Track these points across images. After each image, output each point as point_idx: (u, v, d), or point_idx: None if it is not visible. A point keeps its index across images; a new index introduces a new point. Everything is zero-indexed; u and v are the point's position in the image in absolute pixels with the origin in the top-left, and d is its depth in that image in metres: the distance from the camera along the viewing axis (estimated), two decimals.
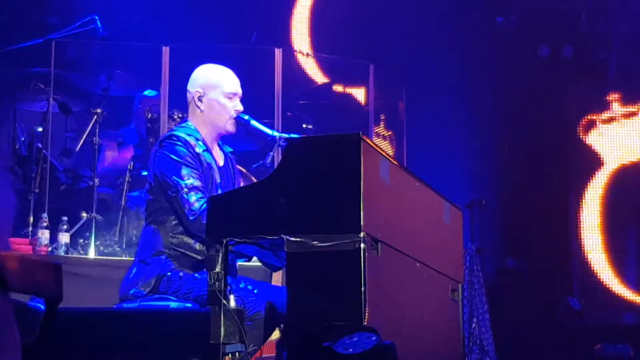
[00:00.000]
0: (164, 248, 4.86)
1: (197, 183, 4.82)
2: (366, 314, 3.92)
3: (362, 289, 3.97)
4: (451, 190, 8.57)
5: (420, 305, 4.79)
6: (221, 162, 5.14)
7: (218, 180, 5.02)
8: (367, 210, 4.05)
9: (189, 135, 4.98)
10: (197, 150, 4.95)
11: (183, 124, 5.12)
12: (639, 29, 10.23)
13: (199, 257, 4.84)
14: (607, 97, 10.39)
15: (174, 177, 4.81)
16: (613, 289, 10.12)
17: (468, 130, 10.30)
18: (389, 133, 9.98)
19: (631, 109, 10.38)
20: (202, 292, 4.62)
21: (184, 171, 4.83)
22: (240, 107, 5.11)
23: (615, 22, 10.33)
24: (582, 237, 10.21)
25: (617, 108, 10.37)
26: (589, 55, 10.39)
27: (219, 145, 5.19)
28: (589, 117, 10.38)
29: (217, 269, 4.21)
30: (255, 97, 5.75)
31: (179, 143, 4.91)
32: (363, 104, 9.94)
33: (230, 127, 5.08)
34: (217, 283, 4.19)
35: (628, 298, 10.09)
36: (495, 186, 10.09)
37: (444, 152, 10.08)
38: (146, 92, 8.59)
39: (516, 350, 9.02)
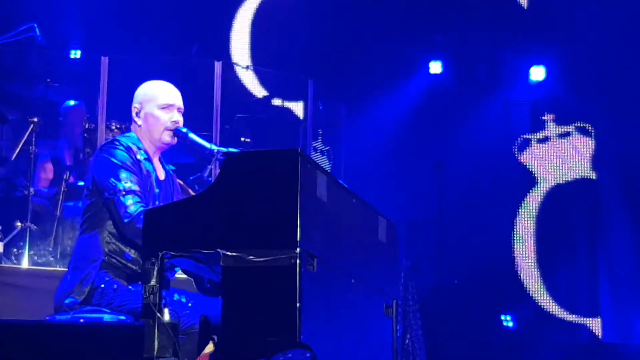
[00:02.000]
0: (99, 254, 4.83)
1: (135, 187, 4.80)
2: (301, 330, 3.93)
3: (297, 305, 3.97)
4: (388, 206, 8.63)
5: (355, 322, 4.80)
6: (162, 177, 5.13)
7: (156, 191, 5.00)
8: (303, 226, 4.06)
9: (132, 142, 4.99)
10: (139, 157, 4.95)
11: (127, 134, 5.12)
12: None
13: (134, 267, 4.82)
14: (543, 117, 10.52)
15: (112, 179, 4.80)
16: (546, 307, 10.23)
17: (406, 147, 10.37)
18: (327, 148, 10.01)
19: (565, 129, 10.53)
20: (136, 305, 4.60)
21: (123, 174, 4.82)
22: (178, 119, 5.10)
23: None
24: (516, 255, 10.31)
25: (551, 128, 10.51)
26: None
27: (160, 161, 5.18)
28: (524, 137, 10.51)
29: (152, 282, 4.19)
30: (194, 110, 5.74)
31: (121, 147, 4.91)
32: (301, 118, 9.96)
33: (167, 138, 5.07)
34: (151, 296, 4.17)
35: (559, 315, 10.21)
36: (432, 203, 10.15)
37: (381, 168, 10.13)
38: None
39: None
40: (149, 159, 5.03)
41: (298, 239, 4.02)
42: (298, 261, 4.00)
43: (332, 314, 4.47)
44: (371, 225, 5.14)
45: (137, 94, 5.16)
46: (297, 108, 10.18)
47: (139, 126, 5.08)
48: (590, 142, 10.51)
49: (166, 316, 4.18)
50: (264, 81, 10.30)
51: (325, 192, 4.39)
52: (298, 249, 4.01)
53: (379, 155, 10.22)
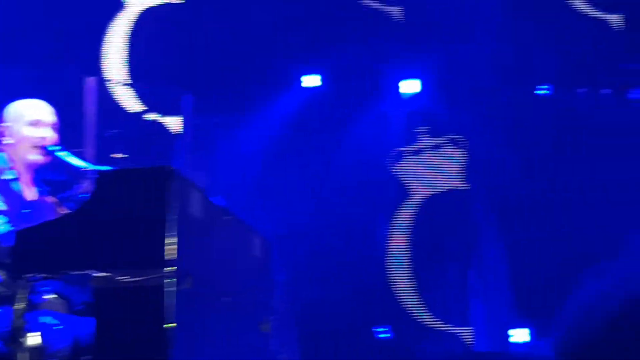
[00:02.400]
0: None
1: (2, 207, 4.73)
2: (172, 349, 3.92)
3: (169, 324, 3.96)
4: (263, 220, 8.65)
5: (230, 339, 4.81)
6: (32, 196, 5.06)
7: (26, 211, 4.94)
8: (175, 245, 4.05)
9: None
10: (6, 177, 4.88)
11: None
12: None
13: (1, 290, 4.74)
14: (416, 129, 10.68)
15: None
16: (420, 317, 10.37)
17: (282, 160, 10.41)
18: (204, 162, 9.98)
19: (438, 141, 10.70)
20: (2, 329, 4.52)
21: None
22: (46, 135, 5.04)
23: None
24: (390, 267, 10.43)
25: (424, 139, 10.67)
26: None
27: (33, 180, 5.11)
28: (397, 149, 10.65)
29: (20, 305, 4.13)
30: (66, 126, 5.68)
31: None
32: (178, 132, 9.91)
33: (36, 157, 5.01)
34: (18, 320, 4.12)
35: (433, 326, 10.36)
36: (307, 216, 10.20)
37: (257, 182, 10.15)
38: None
39: None
40: (18, 179, 4.97)
41: (170, 258, 4.00)
42: (170, 280, 3.98)
43: (206, 331, 4.46)
44: (245, 241, 5.16)
45: (5, 113, 5.10)
46: (174, 122, 10.13)
47: (9, 145, 5.02)
48: (462, 153, 10.70)
49: (32, 339, 4.12)
50: (139, 96, 10.22)
51: (198, 209, 4.39)
52: (170, 268, 3.99)
53: (256, 169, 10.24)
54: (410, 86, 10.67)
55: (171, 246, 3.98)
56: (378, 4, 10.62)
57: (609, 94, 10.94)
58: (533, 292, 10.30)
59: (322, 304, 10.10)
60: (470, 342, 10.38)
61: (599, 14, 10.85)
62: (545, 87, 10.81)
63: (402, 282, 10.44)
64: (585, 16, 10.83)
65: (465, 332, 10.41)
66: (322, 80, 10.66)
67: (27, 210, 4.89)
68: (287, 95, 10.63)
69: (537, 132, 10.68)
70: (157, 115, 10.15)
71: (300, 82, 10.68)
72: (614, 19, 10.85)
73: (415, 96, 10.68)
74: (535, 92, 10.80)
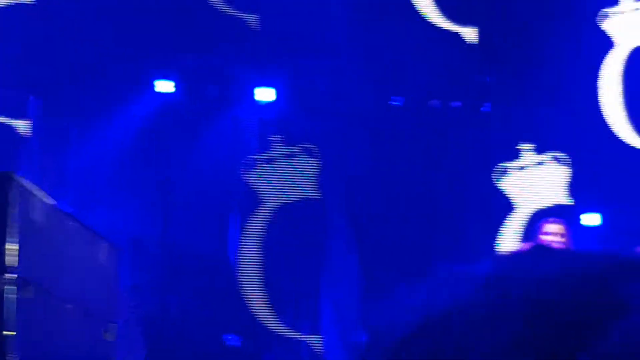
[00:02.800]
0: None
1: None
2: (12, 357, 3.82)
3: (8, 331, 3.86)
4: (113, 225, 8.54)
5: (73, 346, 4.73)
6: None
7: None
8: (16, 251, 3.96)
9: None
10: None
11: None
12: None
13: None
14: (270, 137, 10.71)
15: None
16: (269, 325, 10.39)
17: (134, 165, 10.29)
18: (54, 166, 9.80)
19: (291, 149, 10.75)
20: None
21: None
22: None
23: None
24: (241, 274, 10.42)
25: (278, 148, 10.71)
26: None
27: None
28: (250, 156, 10.66)
29: None
30: None
31: None
32: (26, 136, 9.70)
33: None
34: None
35: (283, 333, 10.40)
36: (157, 222, 10.12)
37: (108, 187, 10.02)
38: None
39: None
40: None
41: (10, 265, 3.91)
42: (11, 287, 3.89)
43: (48, 339, 4.37)
44: (90, 248, 5.07)
45: None
46: (22, 126, 9.90)
47: None
48: (315, 162, 10.78)
49: None
50: None
51: (42, 215, 4.30)
52: (11, 275, 3.90)
53: (106, 173, 10.09)
54: (265, 94, 10.69)
55: (12, 253, 3.89)
56: (234, 11, 10.61)
57: (460, 107, 11.17)
58: (385, 300, 10.43)
59: (171, 310, 10.02)
60: (319, 350, 10.45)
61: (452, 27, 11.07)
62: (399, 98, 10.98)
63: (253, 290, 10.44)
64: (439, 29, 11.03)
65: (315, 340, 10.47)
66: (176, 86, 10.57)
67: None
68: (140, 100, 10.52)
69: (390, 142, 10.83)
70: (5, 118, 9.91)
71: (153, 86, 10.57)
72: (468, 32, 11.08)
73: (270, 104, 10.70)
74: (390, 102, 10.96)
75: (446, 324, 0.72)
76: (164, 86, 10.54)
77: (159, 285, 10.03)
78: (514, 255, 0.80)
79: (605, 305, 0.71)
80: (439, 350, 0.70)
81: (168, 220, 10.15)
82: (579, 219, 10.98)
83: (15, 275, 3.93)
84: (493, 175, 11.14)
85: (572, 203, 11.14)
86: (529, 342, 0.69)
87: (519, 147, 11.20)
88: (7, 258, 3.91)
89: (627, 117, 11.25)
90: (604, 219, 11.05)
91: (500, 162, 11.18)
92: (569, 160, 11.24)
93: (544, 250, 0.78)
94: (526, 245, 8.04)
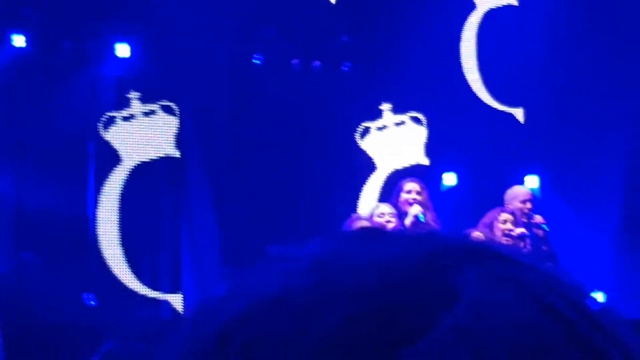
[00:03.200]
0: None
1: None
2: None
3: None
4: None
5: None
6: None
7: None
8: None
9: None
10: None
11: None
12: None
13: None
14: (128, 95, 10.54)
15: None
16: (128, 284, 10.30)
17: None
18: None
19: (150, 107, 10.61)
20: None
21: None
22: None
23: None
24: (99, 233, 10.28)
25: (136, 105, 10.56)
26: None
27: None
28: (109, 114, 10.48)
29: None
30: None
31: None
32: None
33: None
34: None
35: (142, 292, 10.32)
36: (10, 181, 9.90)
37: None
38: None
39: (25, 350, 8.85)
40: None
41: None
42: None
43: None
44: None
45: None
46: None
47: None
48: (174, 120, 10.66)
49: None
50: None
51: None
52: None
53: None
54: (122, 50, 10.49)
55: None
56: None
57: (320, 66, 11.20)
58: (246, 260, 10.45)
59: (27, 268, 9.84)
60: (180, 309, 10.40)
61: None
62: (259, 56, 10.93)
63: (112, 248, 10.31)
64: None
65: (175, 299, 10.42)
66: (27, 41, 10.25)
67: None
68: None
69: (251, 100, 10.80)
70: None
71: (10, 41, 10.25)
72: None
73: (128, 60, 10.50)
74: (253, 60, 10.90)
75: (266, 311, 0.69)
76: (19, 40, 10.23)
77: (15, 243, 9.83)
78: (341, 237, 0.78)
79: (434, 294, 0.70)
80: (260, 339, 0.67)
81: (23, 178, 9.93)
82: (440, 179, 11.17)
83: None
84: (355, 135, 11.22)
85: (428, 163, 11.33)
86: (349, 332, 0.67)
87: (380, 107, 11.31)
88: None
89: (482, 78, 11.47)
90: (460, 179, 11.27)
91: (362, 122, 11.27)
92: (427, 121, 11.41)
93: (372, 232, 0.76)
94: (356, 224, 8.08)
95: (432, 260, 0.68)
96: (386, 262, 0.69)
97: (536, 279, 0.70)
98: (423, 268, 0.67)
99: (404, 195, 8.95)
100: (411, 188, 8.97)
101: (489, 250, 0.71)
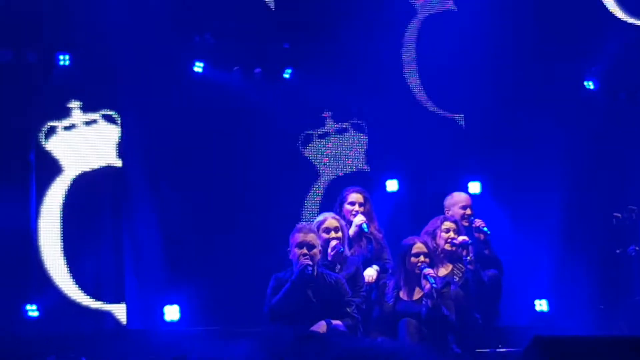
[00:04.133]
0: None
1: None
2: None
3: None
4: None
5: None
6: None
7: None
8: None
9: None
10: None
11: None
12: None
13: None
14: (69, 105, 10.48)
15: None
16: (70, 295, 10.24)
17: None
18: None
19: (92, 116, 10.55)
20: None
21: None
22: None
23: None
24: (41, 243, 10.21)
25: (77, 115, 10.50)
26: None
27: None
28: (50, 124, 10.41)
29: None
30: None
31: None
32: None
33: None
34: None
35: (84, 303, 10.26)
36: None
37: None
38: None
39: None
40: None
41: None
42: None
43: None
44: None
45: None
46: None
47: None
48: (116, 129, 10.61)
49: None
50: None
51: None
52: None
53: None
54: (63, 59, 10.40)
55: None
56: None
57: (260, 73, 11.21)
58: (186, 271, 10.45)
59: None
60: (123, 319, 10.36)
61: None
62: (201, 64, 10.91)
63: (53, 259, 10.24)
64: None
65: (118, 309, 10.38)
66: None
67: None
68: None
69: (191, 108, 10.77)
70: None
71: None
72: None
73: (67, 69, 10.42)
74: (194, 68, 10.88)
75: None
76: None
77: None
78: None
79: None
80: None
81: None
82: (382, 185, 11.23)
83: None
84: (297, 142, 11.25)
85: (368, 170, 11.39)
86: None
87: (322, 114, 11.36)
88: None
89: (422, 83, 11.55)
90: (402, 185, 11.34)
91: (304, 130, 11.30)
92: (368, 127, 11.47)
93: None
94: (301, 237, 8.06)
95: None
96: None
97: None
98: None
99: (347, 207, 8.99)
100: (354, 199, 9.01)
101: None
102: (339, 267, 8.42)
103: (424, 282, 8.18)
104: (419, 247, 8.35)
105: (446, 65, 11.33)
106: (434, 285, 8.10)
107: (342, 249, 8.40)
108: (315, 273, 7.95)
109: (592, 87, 11.66)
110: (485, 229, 9.25)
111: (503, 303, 9.29)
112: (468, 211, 9.42)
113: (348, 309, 8.02)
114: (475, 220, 9.33)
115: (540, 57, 11.36)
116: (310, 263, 7.91)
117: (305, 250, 7.94)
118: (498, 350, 8.59)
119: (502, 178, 11.30)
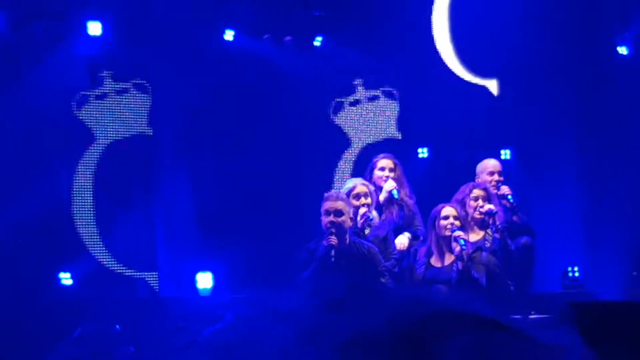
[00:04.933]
0: None
1: None
2: None
3: None
4: None
5: None
6: None
7: None
8: None
9: None
10: None
11: None
12: None
13: None
14: (101, 74, 10.49)
15: None
16: (104, 262, 10.30)
17: None
18: None
19: (123, 85, 10.58)
20: None
21: None
22: None
23: None
24: (74, 211, 10.28)
25: (109, 84, 10.52)
26: None
27: None
28: (82, 93, 10.44)
29: None
30: None
31: None
32: None
33: None
34: None
35: (118, 270, 10.33)
36: None
37: None
38: None
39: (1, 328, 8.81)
40: None
41: None
42: None
43: None
44: None
45: None
46: None
47: None
48: (147, 98, 10.63)
49: None
50: None
51: None
52: None
53: None
54: (94, 28, 10.40)
55: None
56: None
57: (291, 41, 11.17)
58: (217, 238, 10.48)
59: (2, 250, 9.81)
60: (156, 287, 10.42)
61: None
62: (232, 32, 10.89)
63: (87, 227, 10.30)
64: None
65: (150, 277, 10.44)
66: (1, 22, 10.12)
67: None
68: None
69: (223, 75, 10.76)
70: None
71: None
72: None
73: (99, 39, 10.43)
74: (224, 36, 10.86)
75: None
76: None
77: None
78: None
79: None
80: None
81: None
82: (413, 153, 11.20)
83: None
84: (328, 111, 11.24)
85: (401, 137, 11.37)
86: None
87: (353, 82, 11.33)
88: None
89: (455, 50, 11.48)
90: (433, 152, 11.30)
91: (335, 97, 11.28)
92: (399, 94, 11.43)
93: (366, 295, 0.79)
94: (332, 205, 8.04)
95: (415, 330, 0.70)
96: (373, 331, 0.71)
97: (515, 345, 0.72)
98: (406, 340, 0.70)
99: (377, 173, 8.97)
100: (384, 165, 8.98)
101: (470, 319, 0.73)
102: (368, 230, 8.41)
103: (454, 244, 8.17)
104: (447, 210, 8.34)
105: (479, 30, 11.24)
106: (464, 247, 8.09)
107: (370, 217, 8.38)
108: (347, 241, 7.93)
109: (625, 52, 11.54)
110: (509, 197, 9.15)
111: (536, 270, 9.26)
112: (496, 177, 9.34)
113: (382, 279, 8.01)
114: (502, 187, 9.24)
115: (573, 22, 11.25)
116: (336, 243, 7.86)
117: (332, 218, 7.91)
118: (530, 316, 8.57)
119: (533, 144, 11.23)
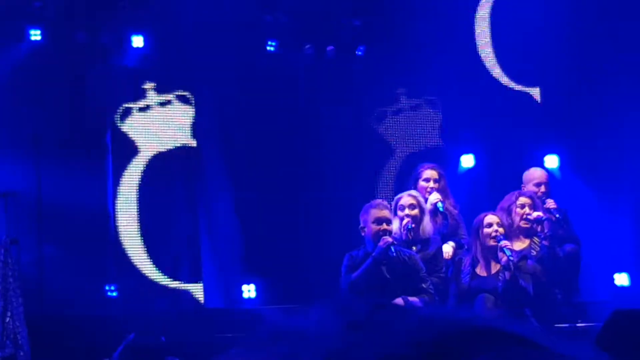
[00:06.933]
0: None
1: None
2: None
3: None
4: None
5: None
6: None
7: None
8: None
9: None
10: None
11: None
12: None
13: None
14: (143, 86, 10.55)
15: None
16: (148, 275, 10.33)
17: (4, 119, 10.03)
18: None
19: (166, 97, 10.62)
20: None
21: None
22: None
23: None
24: (119, 224, 10.31)
25: (152, 96, 10.57)
26: None
27: None
28: (125, 106, 10.49)
29: None
30: None
31: None
32: None
33: None
34: None
35: (162, 282, 10.35)
36: (30, 175, 9.92)
37: None
38: None
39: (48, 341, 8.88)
40: None
41: None
42: None
43: None
44: None
45: None
46: None
47: None
48: (190, 110, 10.67)
49: None
50: None
51: None
52: None
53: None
54: (137, 41, 10.46)
55: None
56: None
57: (334, 51, 11.17)
58: (261, 249, 10.48)
59: (49, 263, 9.88)
60: (201, 299, 10.43)
61: None
62: (273, 43, 10.90)
63: (131, 240, 10.34)
64: None
65: (195, 288, 10.46)
66: (42, 35, 10.20)
67: None
68: (11, 50, 10.19)
69: (265, 88, 10.78)
70: None
71: (28, 35, 10.20)
72: None
73: (141, 51, 10.48)
74: (267, 47, 10.87)
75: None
76: (34, 34, 10.20)
77: (37, 236, 9.85)
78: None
79: None
80: None
81: (43, 172, 9.95)
82: (457, 161, 11.14)
83: None
84: (371, 120, 11.22)
85: (442, 145, 11.31)
86: None
87: (395, 91, 11.30)
88: None
89: (497, 57, 11.41)
90: (477, 160, 11.23)
91: (378, 107, 11.25)
92: (442, 102, 11.39)
93: (399, 308, 0.78)
94: (375, 214, 8.00)
95: (446, 346, 0.69)
96: (410, 337, 0.70)
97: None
98: (436, 355, 0.68)
99: (422, 183, 8.93)
100: (429, 176, 8.94)
101: (500, 334, 0.71)
102: (417, 247, 8.37)
103: (500, 254, 8.11)
104: (490, 218, 8.28)
105: (521, 38, 11.17)
106: (511, 257, 8.02)
107: (410, 226, 8.31)
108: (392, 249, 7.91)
109: None
110: (554, 211, 8.97)
111: (582, 278, 9.16)
112: (543, 188, 9.21)
113: (423, 285, 7.98)
114: (547, 200, 9.09)
115: (619, 29, 11.14)
116: (394, 242, 7.87)
117: (385, 226, 7.89)
118: (577, 325, 8.48)
119: (580, 151, 11.13)
